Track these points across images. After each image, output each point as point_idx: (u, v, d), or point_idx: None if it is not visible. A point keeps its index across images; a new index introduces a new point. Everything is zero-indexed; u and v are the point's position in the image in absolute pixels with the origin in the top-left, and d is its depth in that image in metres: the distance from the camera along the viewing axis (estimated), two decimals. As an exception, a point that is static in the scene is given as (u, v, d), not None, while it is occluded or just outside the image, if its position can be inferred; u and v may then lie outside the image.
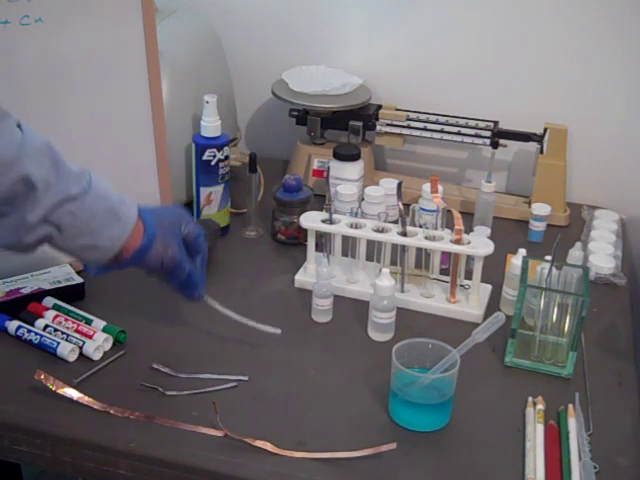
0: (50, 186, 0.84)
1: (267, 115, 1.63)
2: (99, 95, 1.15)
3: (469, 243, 1.13)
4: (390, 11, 1.49)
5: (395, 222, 1.17)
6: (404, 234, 1.14)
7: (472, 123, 1.42)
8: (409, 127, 1.44)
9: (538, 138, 1.39)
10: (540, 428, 0.93)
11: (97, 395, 0.95)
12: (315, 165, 1.47)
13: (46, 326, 1.05)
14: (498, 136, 1.40)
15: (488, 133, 1.40)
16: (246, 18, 1.57)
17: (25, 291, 1.10)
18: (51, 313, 1.08)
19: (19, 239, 0.85)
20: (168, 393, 0.97)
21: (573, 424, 0.93)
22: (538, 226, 1.35)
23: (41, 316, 1.07)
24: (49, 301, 1.10)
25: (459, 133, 1.42)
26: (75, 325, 1.06)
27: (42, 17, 1.06)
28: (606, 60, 1.41)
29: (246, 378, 0.99)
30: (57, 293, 1.11)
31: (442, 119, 1.43)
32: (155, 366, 1.01)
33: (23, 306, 1.09)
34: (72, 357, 1.02)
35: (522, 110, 1.46)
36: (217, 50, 1.49)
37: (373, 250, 1.19)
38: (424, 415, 0.93)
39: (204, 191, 1.29)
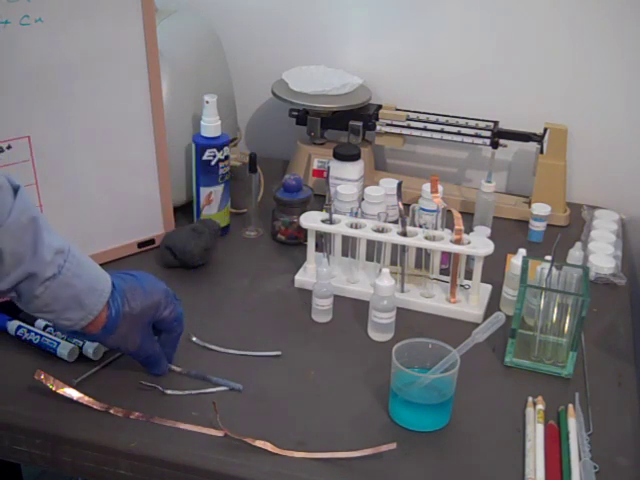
0: (22, 263, 0.84)
1: (267, 115, 1.63)
2: (99, 95, 1.15)
3: (469, 243, 1.13)
4: (390, 11, 1.49)
5: (395, 222, 1.17)
6: (404, 234, 1.14)
7: (472, 123, 1.42)
8: (409, 127, 1.44)
9: (538, 138, 1.39)
10: (540, 428, 0.93)
11: (97, 395, 0.95)
12: (315, 165, 1.47)
13: (46, 326, 1.05)
14: (498, 136, 1.40)
15: (488, 133, 1.40)
16: (246, 18, 1.57)
17: (25, 291, 1.10)
18: (51, 313, 1.08)
19: None
20: (168, 392, 0.97)
21: (573, 424, 0.93)
22: (538, 226, 1.35)
23: (41, 316, 1.07)
24: (49, 301, 1.10)
25: (459, 133, 1.42)
26: (75, 325, 1.06)
27: (42, 17, 1.06)
28: (606, 60, 1.41)
29: (240, 386, 0.98)
30: (57, 293, 1.11)
31: (442, 119, 1.43)
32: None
33: (23, 306, 1.09)
34: (72, 357, 1.02)
35: (522, 110, 1.46)
36: (217, 50, 1.48)
37: (373, 250, 1.19)
38: (424, 415, 0.93)
39: (204, 191, 1.29)
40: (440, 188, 1.18)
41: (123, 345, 0.94)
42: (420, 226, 1.17)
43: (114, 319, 0.91)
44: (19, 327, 1.05)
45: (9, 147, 1.08)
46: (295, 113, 1.48)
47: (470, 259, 1.16)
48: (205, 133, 1.27)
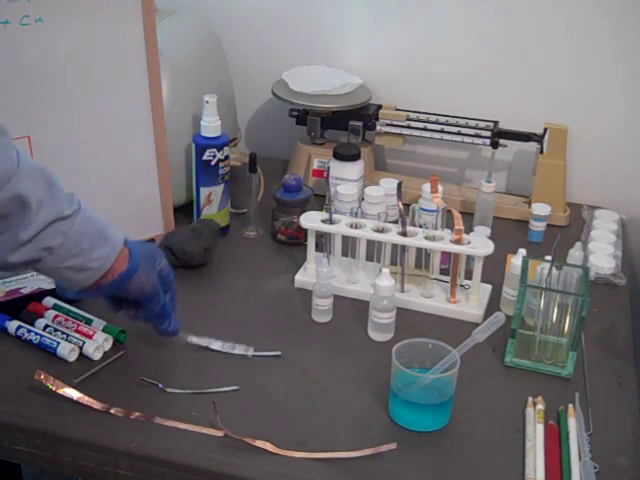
0: (43, 205, 0.85)
1: (267, 115, 1.63)
2: (99, 95, 1.15)
3: (469, 243, 1.13)
4: (390, 11, 1.49)
5: (395, 222, 1.17)
6: (404, 234, 1.14)
7: (472, 123, 1.42)
8: (409, 127, 1.44)
9: (538, 138, 1.39)
10: (540, 428, 0.93)
11: (97, 395, 0.95)
12: (315, 165, 1.47)
13: (46, 326, 1.05)
14: (498, 136, 1.40)
15: (488, 133, 1.40)
16: (246, 18, 1.57)
17: (25, 291, 1.10)
18: (51, 313, 1.08)
19: (4, 257, 0.85)
20: (168, 390, 0.97)
21: (573, 424, 0.93)
22: (538, 226, 1.35)
23: (41, 316, 1.07)
24: (49, 301, 1.10)
25: (459, 133, 1.42)
26: (75, 325, 1.06)
27: (42, 17, 1.06)
28: (606, 60, 1.41)
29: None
30: (57, 293, 1.11)
31: (442, 119, 1.43)
32: (154, 368, 1.01)
33: (23, 306, 1.09)
34: (72, 357, 1.02)
35: (522, 110, 1.46)
36: (217, 50, 1.48)
37: (373, 250, 1.19)
38: (424, 415, 0.93)
39: (204, 191, 1.29)
40: (440, 188, 1.18)
41: (145, 285, 0.94)
42: (420, 226, 1.17)
43: (136, 252, 0.93)
44: (19, 327, 1.05)
45: (9, 147, 1.08)
46: (295, 113, 1.48)
47: (470, 259, 1.16)
48: (205, 133, 1.27)
